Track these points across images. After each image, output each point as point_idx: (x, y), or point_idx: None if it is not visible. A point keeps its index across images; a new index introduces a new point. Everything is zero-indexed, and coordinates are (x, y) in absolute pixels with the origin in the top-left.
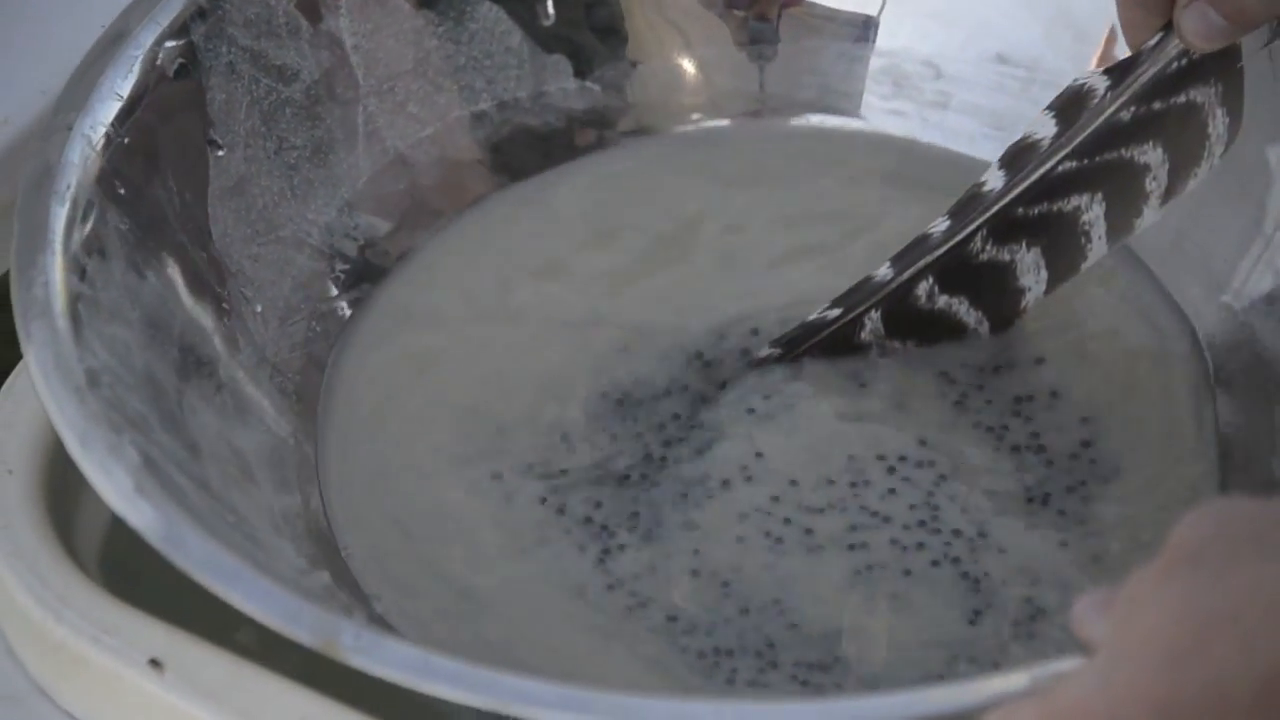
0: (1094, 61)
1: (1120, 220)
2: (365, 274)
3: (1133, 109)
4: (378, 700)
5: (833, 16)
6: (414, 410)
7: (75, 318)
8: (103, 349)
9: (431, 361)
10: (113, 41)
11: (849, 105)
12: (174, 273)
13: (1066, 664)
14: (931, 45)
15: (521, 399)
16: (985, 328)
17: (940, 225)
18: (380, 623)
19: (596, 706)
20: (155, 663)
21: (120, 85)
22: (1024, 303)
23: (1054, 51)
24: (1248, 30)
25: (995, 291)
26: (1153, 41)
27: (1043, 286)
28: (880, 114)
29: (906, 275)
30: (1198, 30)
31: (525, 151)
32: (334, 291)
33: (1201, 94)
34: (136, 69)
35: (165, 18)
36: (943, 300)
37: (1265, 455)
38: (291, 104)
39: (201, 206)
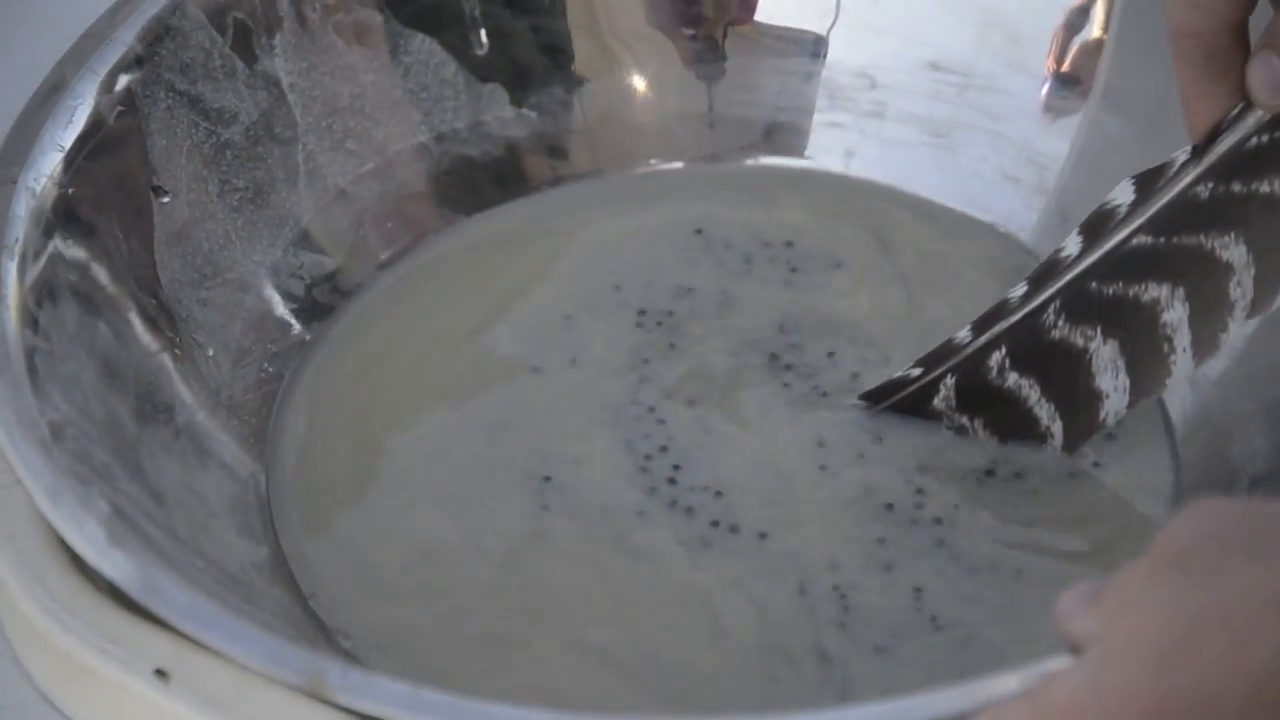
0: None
1: (1205, 329)
2: (314, 312)
3: (1210, 184)
4: None
5: (781, 35)
6: (369, 445)
7: (33, 371)
8: (62, 401)
9: (385, 396)
10: (50, 92)
11: (799, 125)
12: (125, 321)
13: (1055, 664)
14: (865, 56)
15: (476, 434)
16: (1059, 431)
17: (1019, 290)
18: (349, 657)
19: None
20: (161, 673)
21: (61, 136)
22: (1103, 413)
23: (987, 56)
24: None
25: (1069, 386)
26: (1233, 113)
27: (1124, 399)
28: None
29: (983, 340)
30: (1263, 81)
31: (467, 182)
32: (284, 331)
33: None
34: (76, 119)
35: (102, 67)
36: (1013, 378)
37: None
38: (231, 146)
39: (148, 253)
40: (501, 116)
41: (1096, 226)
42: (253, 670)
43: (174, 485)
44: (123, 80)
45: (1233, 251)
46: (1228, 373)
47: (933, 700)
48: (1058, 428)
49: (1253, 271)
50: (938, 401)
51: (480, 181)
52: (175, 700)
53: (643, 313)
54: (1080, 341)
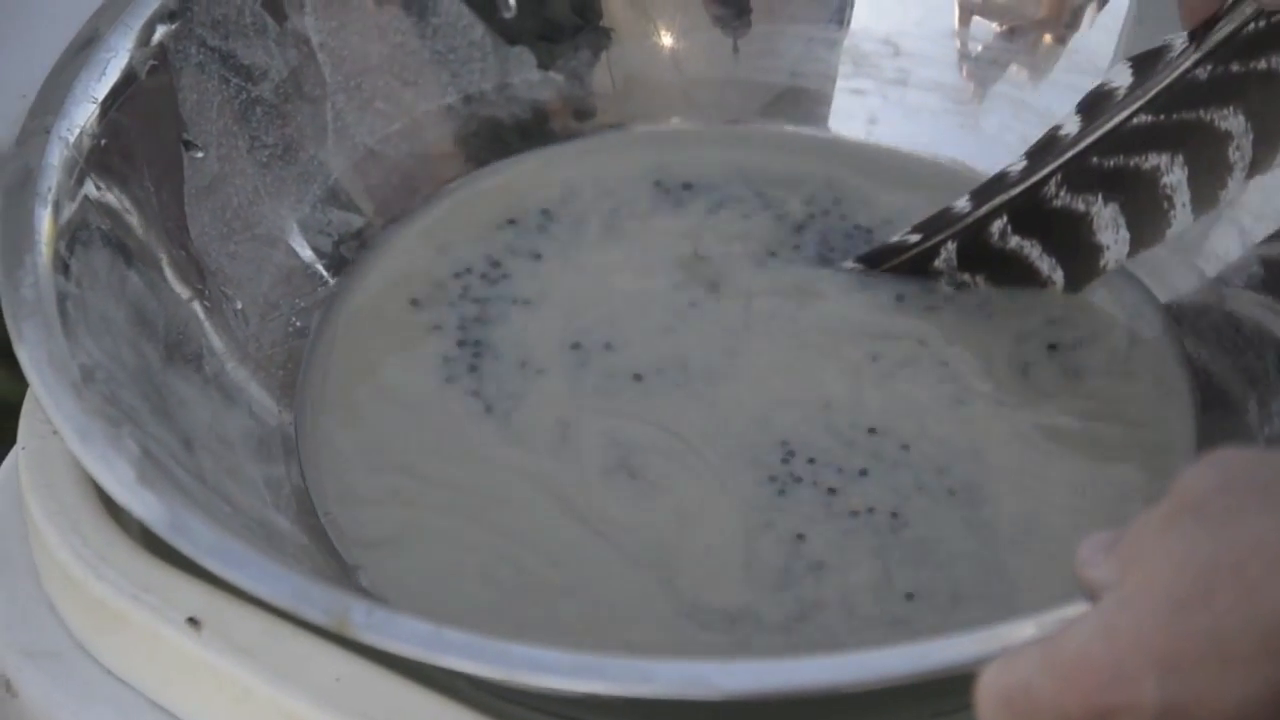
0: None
1: (1205, 189)
2: (341, 268)
3: (1209, 67)
4: (409, 660)
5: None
6: (396, 398)
7: (65, 315)
8: (93, 346)
9: (411, 350)
10: (84, 45)
11: (822, 91)
12: (156, 270)
13: (1072, 610)
14: (889, 23)
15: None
16: (1060, 278)
17: (1018, 165)
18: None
19: (609, 672)
20: (193, 621)
21: (94, 88)
22: (1103, 261)
23: None
24: None
25: (1070, 242)
26: (1229, 2)
27: (1124, 248)
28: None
29: (983, 211)
30: None
31: (494, 144)
32: (311, 286)
33: None
34: (109, 71)
35: (135, 21)
36: (1014, 241)
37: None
38: (262, 103)
39: (178, 206)
40: (529, 79)
41: (1095, 106)
42: (277, 608)
43: (201, 431)
44: (156, 34)
45: (1231, 121)
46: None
47: (949, 645)
48: (1059, 275)
49: (1251, 137)
50: (938, 263)
51: (507, 142)
52: (207, 648)
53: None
54: (1081, 207)
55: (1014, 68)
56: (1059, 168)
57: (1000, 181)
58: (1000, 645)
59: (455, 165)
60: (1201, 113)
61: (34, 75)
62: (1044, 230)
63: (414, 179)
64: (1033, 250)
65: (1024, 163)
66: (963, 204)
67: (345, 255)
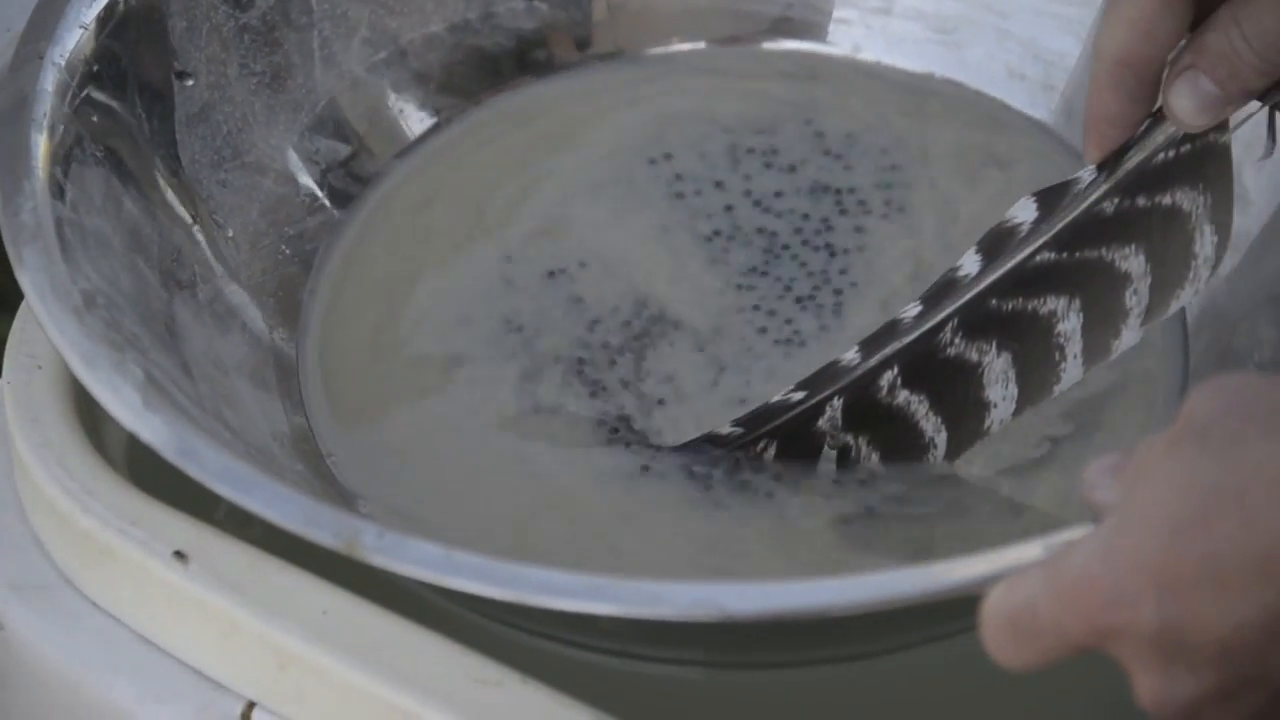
0: None
1: (1098, 338)
2: (331, 197)
3: (1116, 200)
4: (396, 593)
5: None
6: (391, 322)
7: (63, 240)
8: (93, 271)
9: (404, 277)
10: None
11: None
12: (149, 196)
13: (1077, 532)
14: None
15: (493, 306)
16: (942, 442)
17: (912, 310)
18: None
19: (620, 595)
20: (180, 554)
21: (84, 15)
22: (987, 422)
23: None
24: (1241, 101)
25: (959, 398)
26: (1141, 129)
27: (1010, 406)
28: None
29: (874, 362)
30: (1188, 104)
31: (478, 73)
32: (300, 214)
33: (1189, 200)
34: None
35: None
36: (903, 395)
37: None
38: (249, 30)
39: (169, 133)
40: (513, 8)
41: (996, 244)
42: (289, 530)
43: (199, 358)
44: None
45: (1132, 262)
46: (1238, 268)
47: (958, 567)
48: (941, 438)
49: (1149, 280)
50: (822, 422)
51: (494, 70)
52: (194, 581)
53: (679, 178)
54: (975, 356)
55: None
56: (956, 311)
57: (893, 330)
58: (1007, 566)
59: (443, 94)
60: (1104, 251)
61: (18, 7)
62: (933, 383)
63: (401, 107)
64: (920, 408)
65: (919, 307)
66: (851, 355)
67: (334, 184)
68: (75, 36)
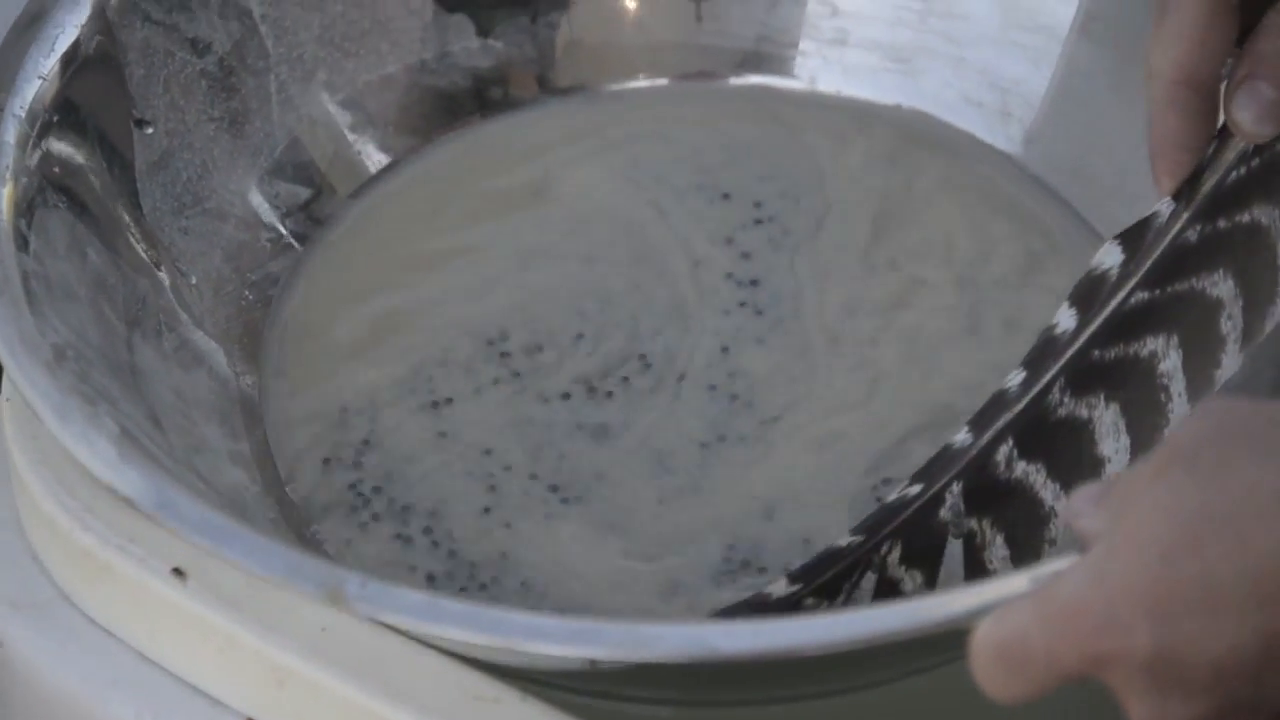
0: None
1: (1199, 372)
2: (292, 240)
3: (1198, 227)
4: None
5: None
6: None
7: (30, 293)
8: (60, 323)
9: (366, 317)
10: (31, 22)
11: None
12: (112, 247)
13: (1064, 562)
14: None
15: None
16: (1061, 509)
17: (1016, 378)
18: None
19: (608, 638)
20: (178, 571)
21: (42, 66)
22: (1103, 478)
23: None
24: None
25: (1074, 459)
26: (1210, 151)
27: (1124, 458)
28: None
29: (986, 439)
30: (1251, 113)
31: (435, 113)
32: (262, 260)
33: (1265, 214)
34: (57, 47)
35: None
36: (1020, 467)
37: None
38: (207, 75)
39: (130, 182)
40: (468, 47)
41: (1088, 295)
42: (272, 582)
43: (168, 408)
44: (101, 10)
45: (1222, 287)
46: None
47: (943, 601)
48: (1061, 505)
49: (1241, 302)
50: (944, 512)
51: (452, 109)
52: (192, 598)
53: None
54: (1085, 413)
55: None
56: (1061, 369)
57: (1000, 401)
58: (994, 599)
59: (395, 135)
60: (1194, 281)
61: None
62: (1049, 449)
63: (359, 149)
64: (1037, 477)
65: (1022, 374)
66: (963, 436)
67: (294, 228)
68: (34, 87)
